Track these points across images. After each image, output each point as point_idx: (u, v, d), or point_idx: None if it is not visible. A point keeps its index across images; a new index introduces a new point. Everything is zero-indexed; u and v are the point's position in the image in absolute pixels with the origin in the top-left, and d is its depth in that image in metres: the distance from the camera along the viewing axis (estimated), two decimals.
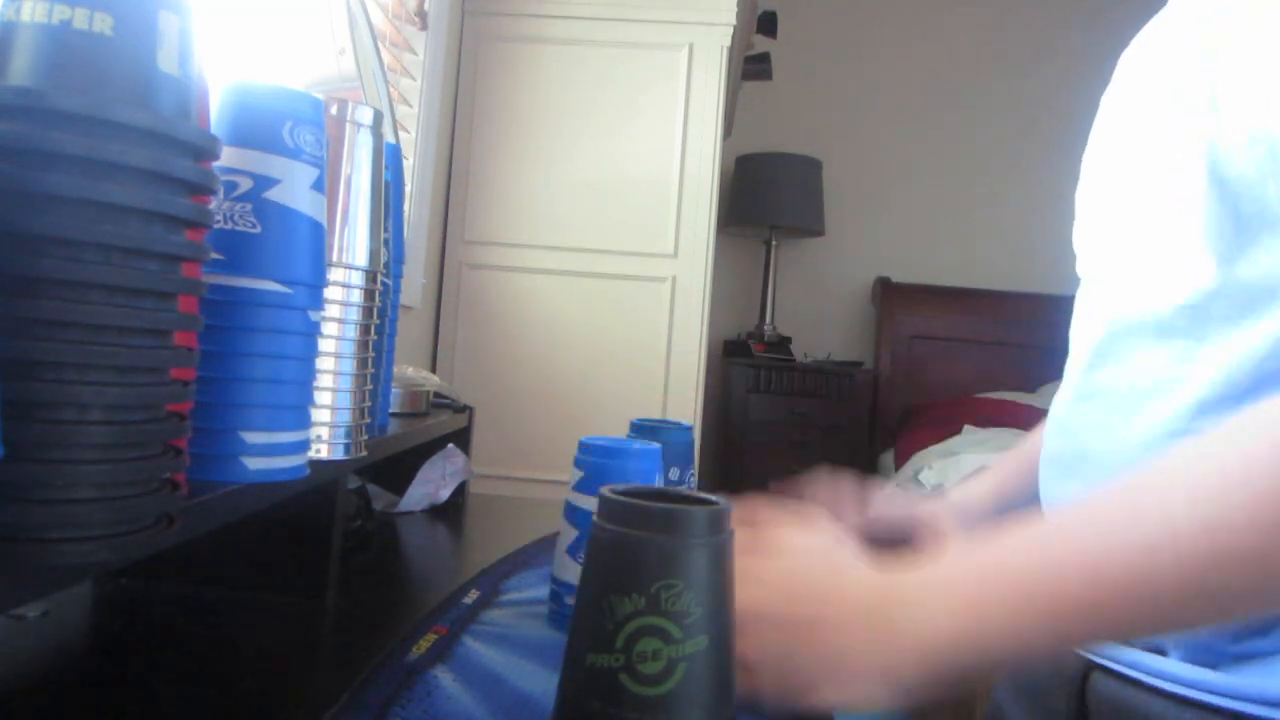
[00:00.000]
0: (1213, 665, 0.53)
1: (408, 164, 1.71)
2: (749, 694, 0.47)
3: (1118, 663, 0.58)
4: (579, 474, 0.66)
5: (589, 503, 0.64)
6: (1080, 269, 0.71)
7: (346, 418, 0.68)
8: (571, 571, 0.65)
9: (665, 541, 0.39)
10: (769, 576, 0.49)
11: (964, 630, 0.44)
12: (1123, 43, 0.74)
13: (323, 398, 0.66)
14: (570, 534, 0.66)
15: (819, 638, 0.47)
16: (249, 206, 0.54)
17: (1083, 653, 0.61)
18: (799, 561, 0.50)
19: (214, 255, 0.51)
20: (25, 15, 0.36)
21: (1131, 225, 0.61)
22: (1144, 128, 0.61)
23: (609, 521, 0.40)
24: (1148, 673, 0.56)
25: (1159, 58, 0.62)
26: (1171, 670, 0.54)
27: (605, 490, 0.42)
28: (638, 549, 0.39)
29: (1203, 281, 0.53)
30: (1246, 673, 0.51)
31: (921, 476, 2.27)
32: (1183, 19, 0.61)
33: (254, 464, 0.54)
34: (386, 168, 0.72)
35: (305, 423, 0.60)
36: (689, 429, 0.86)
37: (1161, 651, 0.56)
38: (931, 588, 0.46)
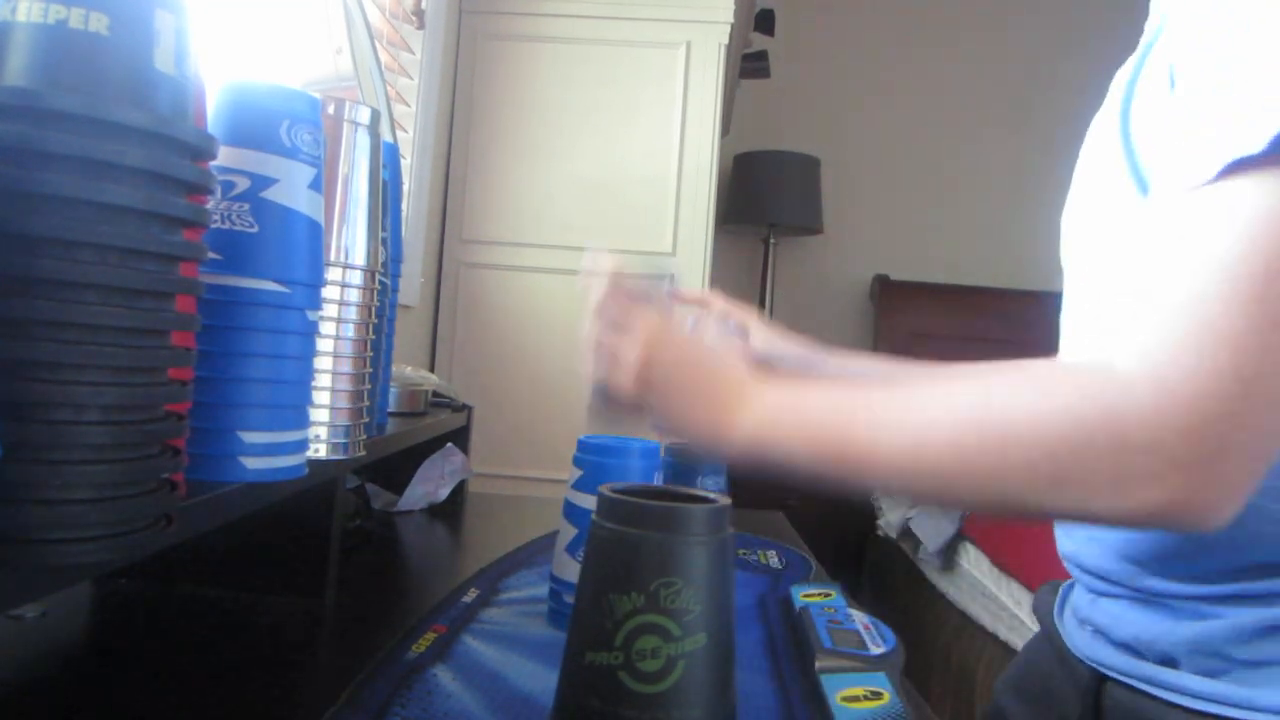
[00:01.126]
0: (1224, 672, 0.53)
1: (405, 163, 1.71)
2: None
3: (1130, 676, 0.58)
4: (578, 473, 0.66)
5: (588, 501, 0.64)
6: (1065, 297, 0.72)
7: (345, 417, 0.68)
8: (571, 570, 0.65)
9: (664, 540, 0.39)
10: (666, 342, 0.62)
11: (763, 433, 0.54)
12: (1123, 42, 0.74)
13: (321, 397, 0.66)
14: (570, 532, 0.66)
15: (691, 382, 0.59)
16: (246, 206, 0.54)
17: (1094, 665, 0.62)
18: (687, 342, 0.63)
19: (211, 255, 0.51)
20: (21, 15, 0.36)
21: (1101, 270, 0.63)
22: (1105, 172, 0.62)
23: (608, 520, 0.40)
24: (1162, 686, 0.56)
25: (1119, 90, 0.64)
26: (1185, 683, 0.55)
27: (604, 489, 0.42)
28: (637, 547, 0.39)
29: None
30: (1258, 681, 0.52)
31: None
32: (1152, 50, 0.62)
33: (252, 464, 0.54)
34: (384, 166, 0.72)
35: (304, 422, 0.60)
36: None
37: (1173, 663, 0.56)
38: (760, 397, 0.56)
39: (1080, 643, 0.64)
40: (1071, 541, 0.64)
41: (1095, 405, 0.45)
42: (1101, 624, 0.61)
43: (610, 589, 0.39)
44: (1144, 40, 0.59)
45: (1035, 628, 1.61)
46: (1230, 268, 0.43)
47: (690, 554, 0.39)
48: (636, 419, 0.62)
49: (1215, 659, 0.54)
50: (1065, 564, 0.66)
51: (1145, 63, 0.57)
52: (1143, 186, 0.55)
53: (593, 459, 0.67)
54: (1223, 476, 0.43)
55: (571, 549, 0.65)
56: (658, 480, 0.71)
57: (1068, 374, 0.48)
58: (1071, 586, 0.69)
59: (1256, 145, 0.43)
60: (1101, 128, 0.66)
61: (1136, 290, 0.48)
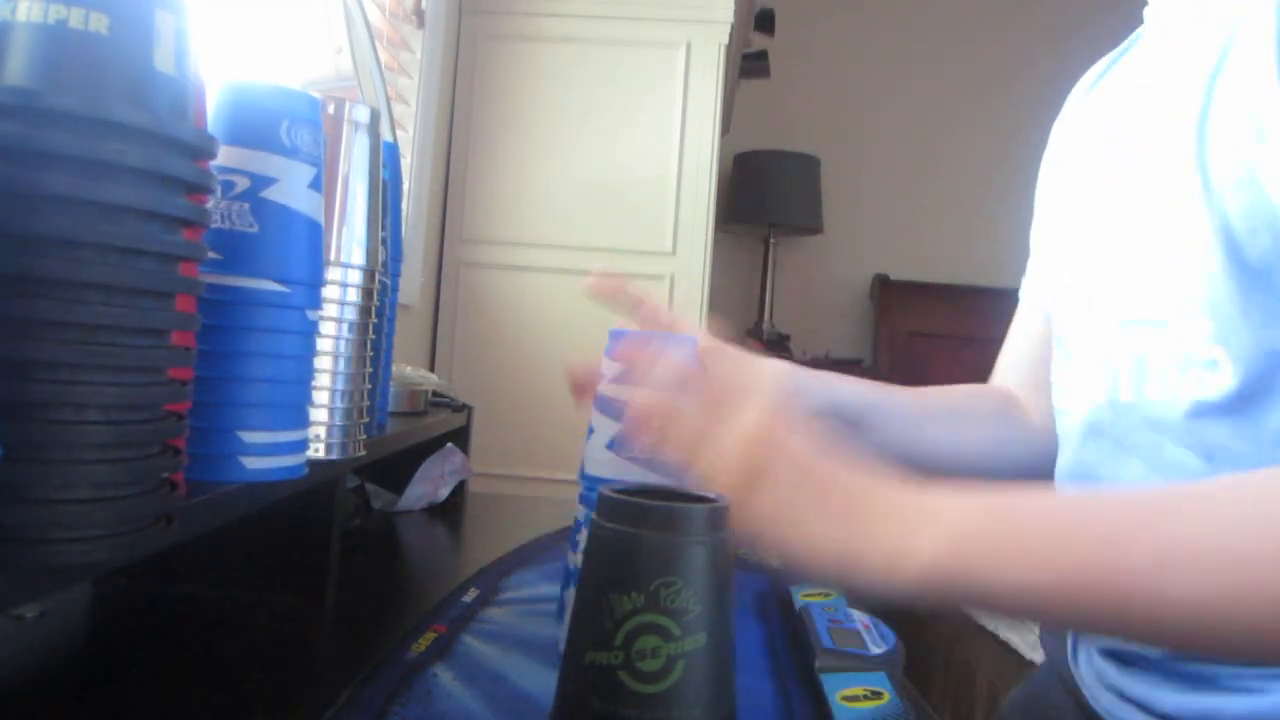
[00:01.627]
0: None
1: (405, 162, 1.71)
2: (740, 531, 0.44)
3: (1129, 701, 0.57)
4: (616, 365, 0.60)
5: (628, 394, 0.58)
6: (1057, 325, 0.70)
7: (345, 417, 0.68)
8: (608, 466, 0.59)
9: (664, 539, 0.39)
10: (794, 434, 0.47)
11: (960, 548, 0.41)
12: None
13: (321, 397, 0.66)
14: (608, 427, 0.59)
15: (817, 502, 0.44)
16: (246, 206, 0.54)
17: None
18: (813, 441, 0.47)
19: (211, 255, 0.51)
20: (21, 15, 0.36)
21: (1135, 301, 0.58)
22: (1139, 193, 0.58)
23: (608, 520, 0.40)
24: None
25: (1143, 117, 0.60)
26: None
27: (604, 490, 0.42)
28: (637, 547, 0.39)
29: (1223, 382, 0.51)
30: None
31: None
32: (1163, 74, 0.59)
33: (252, 463, 0.54)
34: (384, 166, 0.72)
35: (303, 422, 0.60)
36: None
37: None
38: (953, 503, 0.43)
39: (1107, 704, 0.60)
40: None
41: None
42: (1140, 697, 0.57)
43: (610, 589, 0.39)
44: (1201, 69, 0.53)
45: (1034, 629, 1.60)
46: None
47: (690, 554, 0.39)
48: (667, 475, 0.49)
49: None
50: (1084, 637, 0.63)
51: (1213, 107, 0.51)
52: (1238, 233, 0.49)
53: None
54: None
55: (612, 445, 0.59)
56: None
57: None
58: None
59: None
60: (1120, 155, 0.61)
61: None
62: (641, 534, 0.39)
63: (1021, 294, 0.86)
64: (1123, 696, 0.59)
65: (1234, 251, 0.50)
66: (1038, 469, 0.76)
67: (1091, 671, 0.63)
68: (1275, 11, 0.47)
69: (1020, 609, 0.43)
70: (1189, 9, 0.59)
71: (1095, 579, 0.39)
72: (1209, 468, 0.53)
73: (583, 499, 0.62)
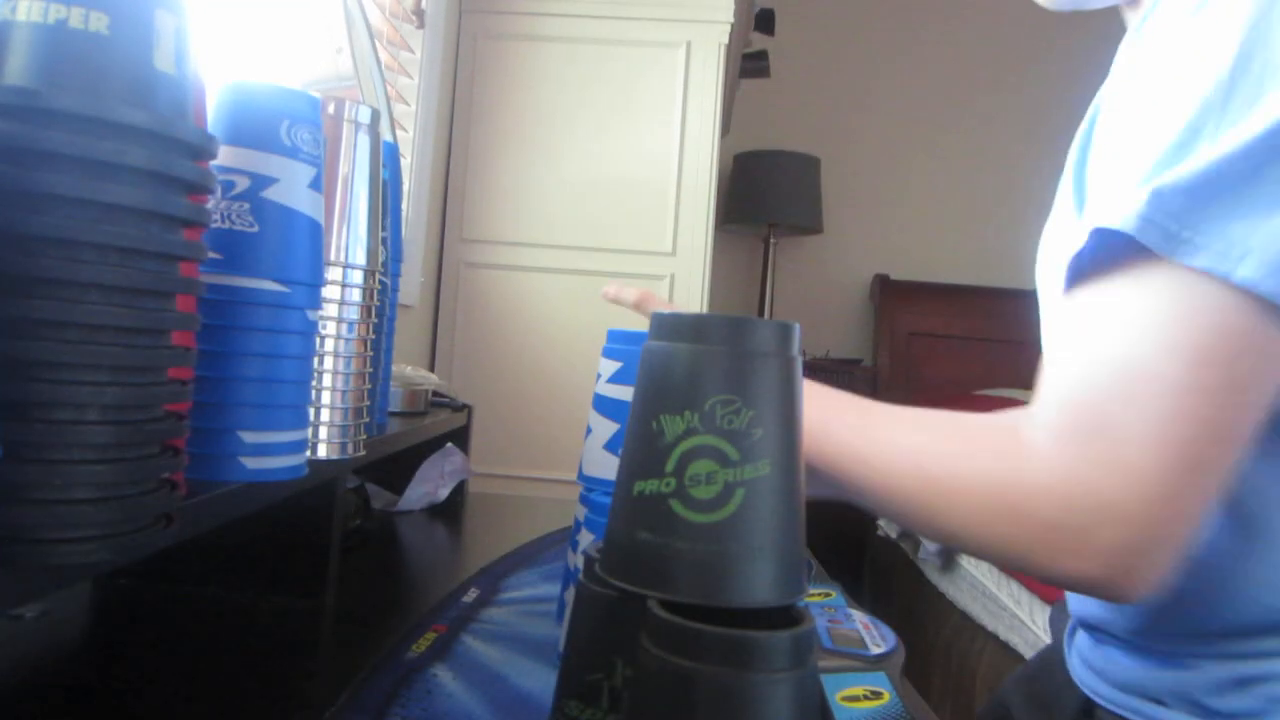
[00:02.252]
0: (1204, 714, 0.56)
1: (405, 162, 1.71)
2: None
3: (1119, 706, 0.61)
4: (614, 365, 0.59)
5: (627, 394, 0.55)
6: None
7: (345, 417, 0.68)
8: (606, 466, 0.58)
9: (725, 353, 0.34)
10: None
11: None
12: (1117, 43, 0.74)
13: (321, 397, 0.66)
14: (606, 428, 0.58)
15: None
16: (246, 206, 0.54)
17: (1085, 691, 0.65)
18: None
19: (212, 255, 0.51)
20: (21, 14, 0.36)
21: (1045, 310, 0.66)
22: (1061, 207, 0.64)
23: (660, 338, 0.35)
24: (1147, 718, 0.58)
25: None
26: (1166, 716, 0.57)
27: (658, 311, 0.37)
28: (692, 362, 0.34)
29: None
30: None
31: None
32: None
33: (252, 463, 0.54)
34: (384, 166, 0.72)
35: (304, 422, 0.60)
36: None
37: (1162, 703, 0.58)
38: None
39: (1081, 673, 0.66)
40: (1076, 598, 0.66)
41: (1003, 473, 0.49)
42: (1099, 666, 0.64)
43: (661, 409, 0.34)
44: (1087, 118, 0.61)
45: (1034, 627, 1.63)
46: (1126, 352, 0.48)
47: (753, 369, 0.33)
48: None
49: (1193, 706, 0.56)
50: (1073, 615, 0.69)
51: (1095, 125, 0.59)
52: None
53: (630, 349, 0.59)
54: (1144, 562, 0.46)
55: (611, 446, 0.58)
56: None
57: (993, 432, 0.53)
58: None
59: (1122, 223, 0.46)
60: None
61: (1049, 351, 0.53)
62: (699, 348, 0.34)
63: None
64: (1091, 668, 0.64)
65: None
66: None
67: (1074, 647, 0.68)
68: (1096, 106, 0.55)
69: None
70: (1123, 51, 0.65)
71: (836, 461, 0.57)
72: None
73: (583, 499, 0.61)
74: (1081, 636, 0.68)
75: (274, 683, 0.55)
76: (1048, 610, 1.55)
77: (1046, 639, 0.81)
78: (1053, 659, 0.75)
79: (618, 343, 0.61)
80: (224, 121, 0.54)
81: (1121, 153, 0.49)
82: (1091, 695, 0.64)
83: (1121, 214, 0.46)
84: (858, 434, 0.57)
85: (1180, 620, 0.56)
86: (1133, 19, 0.68)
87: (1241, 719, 0.54)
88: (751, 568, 0.33)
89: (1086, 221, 0.49)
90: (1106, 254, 0.48)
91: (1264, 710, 0.53)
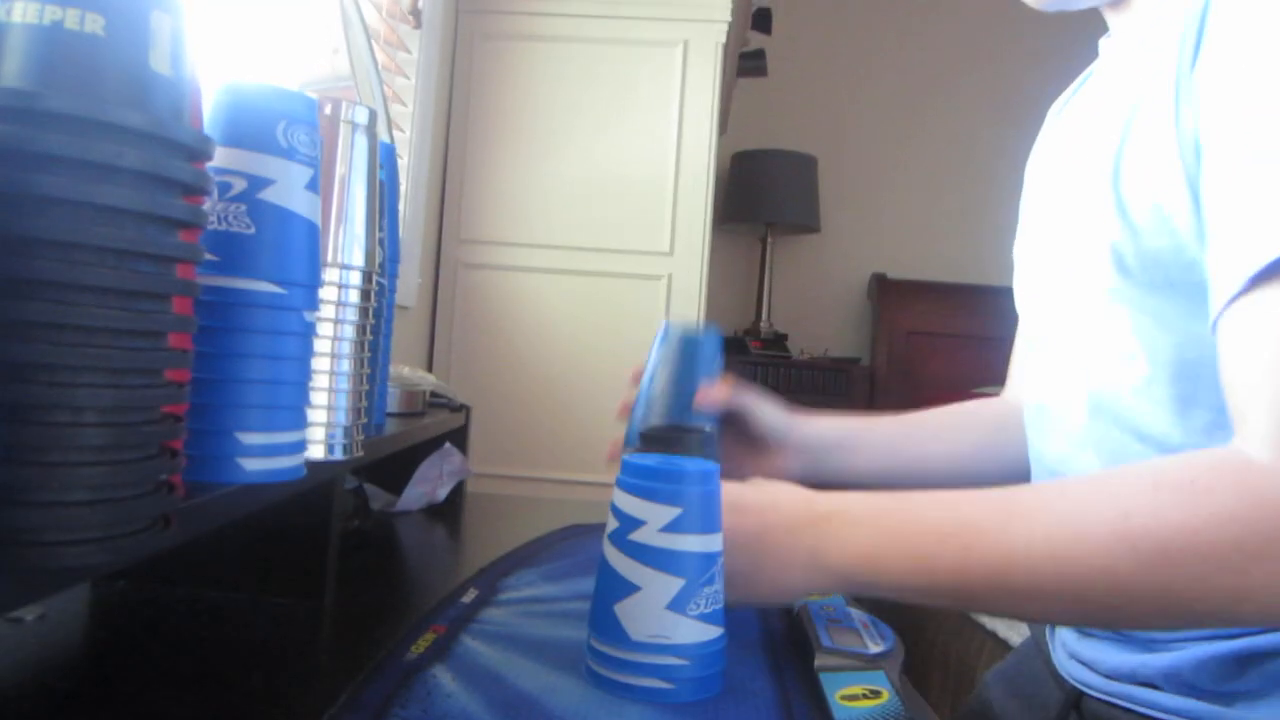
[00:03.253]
0: (1197, 695, 0.56)
1: (403, 163, 1.71)
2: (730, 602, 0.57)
3: (1108, 694, 0.61)
4: (669, 511, 0.53)
5: (695, 543, 0.54)
6: (1027, 329, 0.77)
7: (343, 418, 0.68)
8: (667, 623, 0.53)
9: None
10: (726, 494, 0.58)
11: (866, 566, 0.57)
12: None
13: (319, 398, 0.66)
14: (667, 585, 0.53)
15: (766, 545, 0.59)
16: (243, 207, 0.53)
17: (1071, 682, 0.65)
18: (742, 491, 0.62)
19: (208, 256, 0.51)
20: (16, 16, 0.35)
21: (1070, 308, 0.66)
22: (1070, 212, 0.65)
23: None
24: (1139, 703, 0.59)
25: (1078, 133, 0.68)
26: (1163, 701, 0.57)
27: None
28: None
29: (1140, 371, 0.59)
30: (1237, 706, 0.54)
31: None
32: (1099, 95, 0.67)
33: (250, 465, 0.54)
34: (381, 167, 0.72)
35: (301, 423, 0.59)
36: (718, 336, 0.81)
37: (1154, 687, 0.58)
38: (847, 525, 0.58)
39: (1067, 666, 0.67)
40: None
41: (1260, 506, 0.43)
42: (1089, 659, 0.64)
43: None
44: (1125, 108, 0.59)
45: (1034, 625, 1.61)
46: None
47: None
48: None
49: (1189, 688, 0.56)
50: None
51: (1133, 129, 0.58)
52: (1138, 250, 0.57)
53: (689, 490, 0.54)
54: None
55: (678, 603, 0.53)
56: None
57: (1208, 473, 0.46)
58: None
59: None
60: (1066, 177, 0.68)
61: (1244, 380, 0.47)
62: None
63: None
64: (1078, 659, 0.65)
65: (1142, 268, 0.57)
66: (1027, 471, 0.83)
67: (1057, 639, 0.69)
68: (1176, 67, 0.53)
69: (908, 599, 0.55)
70: (1130, 47, 0.66)
71: (952, 582, 0.53)
72: (1148, 452, 0.58)
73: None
74: (1064, 630, 0.68)
75: (273, 684, 0.55)
76: None
77: None
78: (1031, 653, 0.76)
79: (668, 482, 0.53)
80: (220, 123, 0.54)
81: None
82: (1079, 686, 0.64)
83: None
84: (1016, 540, 0.50)
85: None
86: (1114, 20, 0.68)
87: (1243, 699, 0.53)
88: None
89: (1240, 230, 0.46)
90: None
91: (1265, 689, 0.52)
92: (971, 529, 0.53)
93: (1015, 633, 1.68)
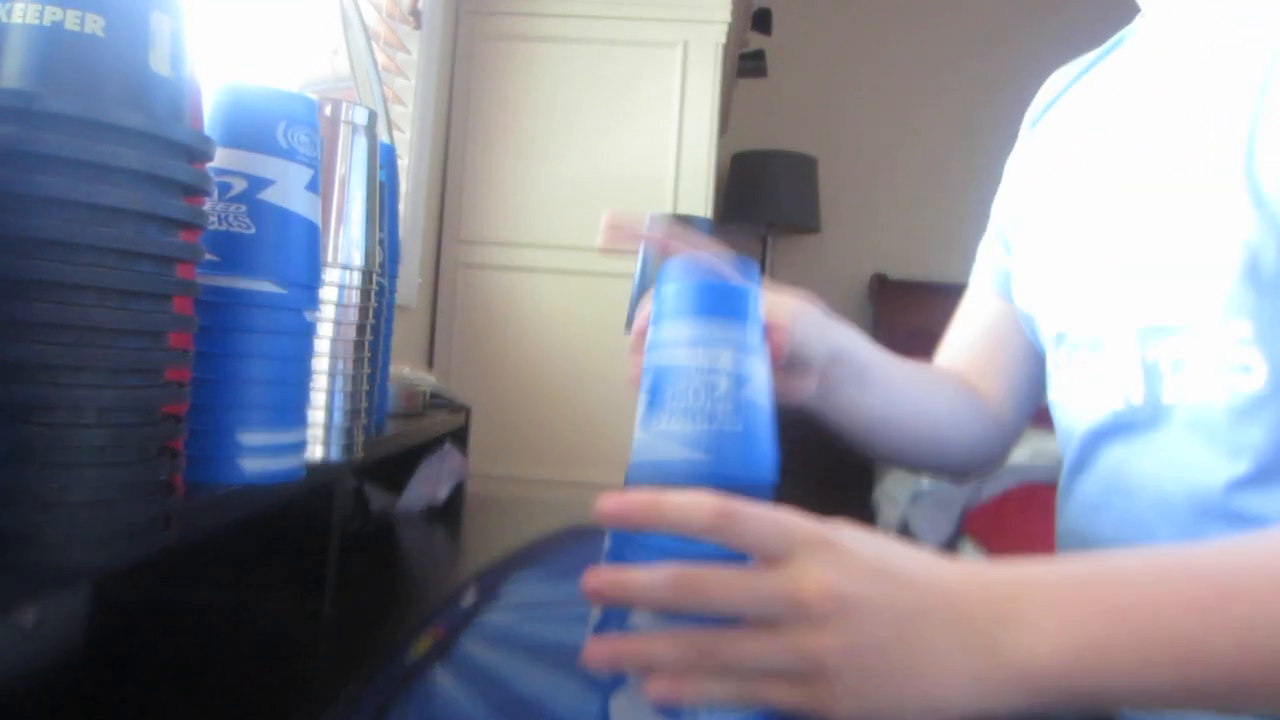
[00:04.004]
0: None
1: (402, 163, 1.71)
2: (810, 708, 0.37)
3: (1149, 711, 0.56)
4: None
5: None
6: (1054, 327, 0.69)
7: (343, 418, 0.68)
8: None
9: None
10: (851, 551, 0.39)
11: (1084, 663, 0.38)
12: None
13: (319, 398, 0.66)
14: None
15: (922, 634, 0.38)
16: (243, 207, 0.54)
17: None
18: (877, 546, 0.40)
19: (208, 256, 0.51)
20: (16, 17, 0.35)
21: (1165, 306, 0.58)
22: (1170, 201, 0.59)
23: None
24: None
25: (1170, 128, 0.60)
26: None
27: None
28: None
29: (1256, 385, 0.53)
30: None
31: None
32: (1192, 85, 0.59)
33: (250, 465, 0.54)
34: (381, 167, 0.72)
35: (301, 423, 0.59)
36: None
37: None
38: (1046, 606, 0.39)
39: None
40: None
41: None
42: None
43: None
44: (1246, 83, 0.54)
45: None
46: None
47: None
48: None
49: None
50: None
51: (1271, 108, 0.52)
52: None
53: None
54: None
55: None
56: None
57: None
58: None
59: None
60: (1136, 161, 0.61)
61: None
62: None
63: (974, 285, 0.88)
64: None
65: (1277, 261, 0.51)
66: (981, 456, 0.81)
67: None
68: None
69: (1139, 705, 0.42)
70: (1209, 20, 0.60)
71: (1227, 672, 0.38)
72: (1234, 466, 0.55)
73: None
74: None
75: (273, 685, 0.55)
76: None
77: None
78: None
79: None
80: (220, 123, 0.54)
81: None
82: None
83: None
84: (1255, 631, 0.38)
85: None
86: None
87: None
88: None
89: None
90: None
91: None
92: (1245, 596, 0.39)
93: None
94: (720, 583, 0.37)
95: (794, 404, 0.70)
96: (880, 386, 0.75)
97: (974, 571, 0.41)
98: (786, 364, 0.67)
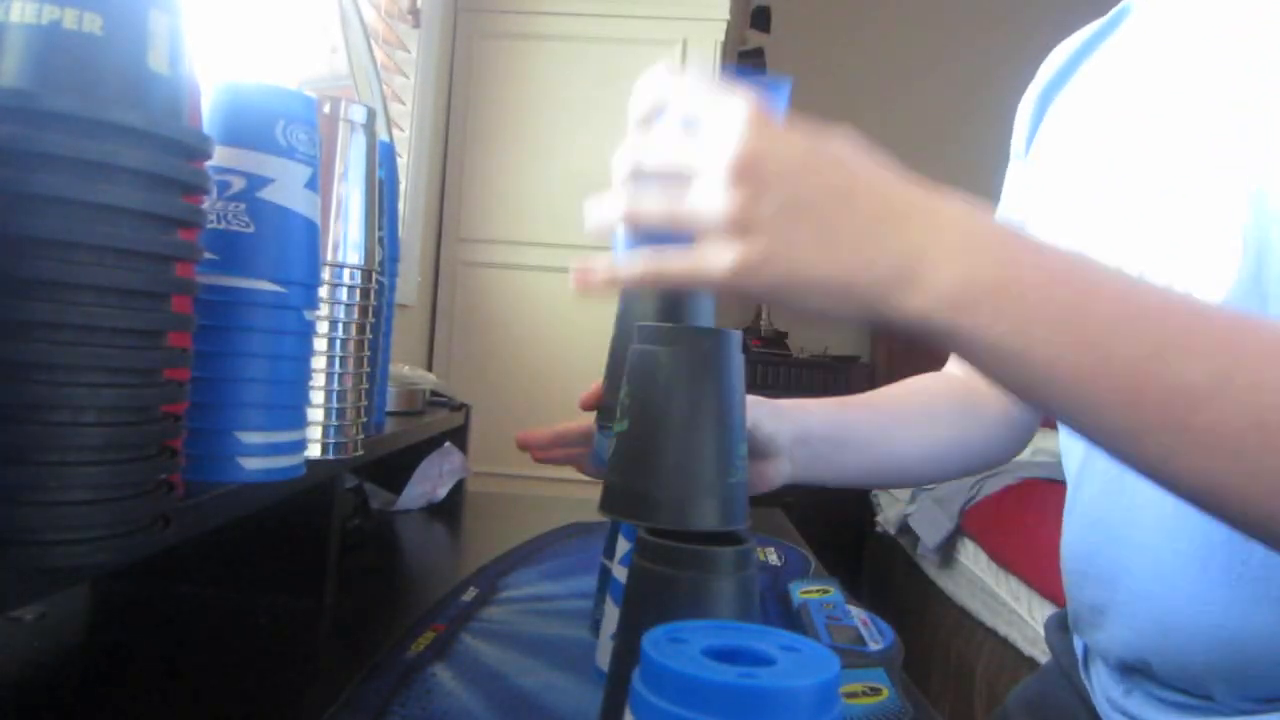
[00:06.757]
0: None
1: (402, 162, 1.71)
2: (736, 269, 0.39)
3: None
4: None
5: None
6: None
7: (342, 417, 0.68)
8: None
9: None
10: (800, 130, 0.41)
11: (972, 303, 0.38)
12: None
13: (318, 397, 0.66)
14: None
15: (853, 215, 0.39)
16: (242, 206, 0.53)
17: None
18: (831, 136, 0.43)
19: (208, 255, 0.51)
20: (14, 16, 0.35)
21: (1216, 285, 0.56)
22: (1160, 207, 0.57)
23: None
24: None
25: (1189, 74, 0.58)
26: None
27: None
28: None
29: None
30: None
31: None
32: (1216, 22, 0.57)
33: (250, 464, 0.54)
34: (380, 166, 0.72)
35: (301, 422, 0.59)
36: None
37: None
38: (961, 249, 0.40)
39: (1111, 715, 0.62)
40: (1142, 641, 0.57)
41: None
42: (1136, 714, 0.59)
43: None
44: None
45: (1033, 623, 1.59)
46: None
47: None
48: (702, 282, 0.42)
49: None
50: (1101, 654, 0.63)
51: None
52: None
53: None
54: None
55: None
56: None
57: None
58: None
59: None
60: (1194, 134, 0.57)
61: None
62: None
63: None
64: (1126, 714, 0.60)
65: None
66: (993, 460, 0.77)
67: (1100, 685, 0.64)
68: None
69: (1019, 378, 0.38)
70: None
71: (1115, 364, 0.36)
72: None
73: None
74: (1109, 683, 0.63)
75: (273, 683, 0.55)
76: (1046, 606, 1.55)
77: (1053, 636, 0.77)
78: (1056, 679, 0.72)
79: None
80: (219, 122, 0.54)
81: None
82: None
83: None
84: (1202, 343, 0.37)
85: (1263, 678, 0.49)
86: None
87: None
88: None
89: None
90: None
91: None
92: (1178, 307, 0.38)
93: (1016, 630, 1.68)
94: (670, 141, 0.44)
95: (774, 488, 0.68)
96: (856, 445, 0.72)
97: (926, 194, 0.43)
98: (752, 454, 0.66)
